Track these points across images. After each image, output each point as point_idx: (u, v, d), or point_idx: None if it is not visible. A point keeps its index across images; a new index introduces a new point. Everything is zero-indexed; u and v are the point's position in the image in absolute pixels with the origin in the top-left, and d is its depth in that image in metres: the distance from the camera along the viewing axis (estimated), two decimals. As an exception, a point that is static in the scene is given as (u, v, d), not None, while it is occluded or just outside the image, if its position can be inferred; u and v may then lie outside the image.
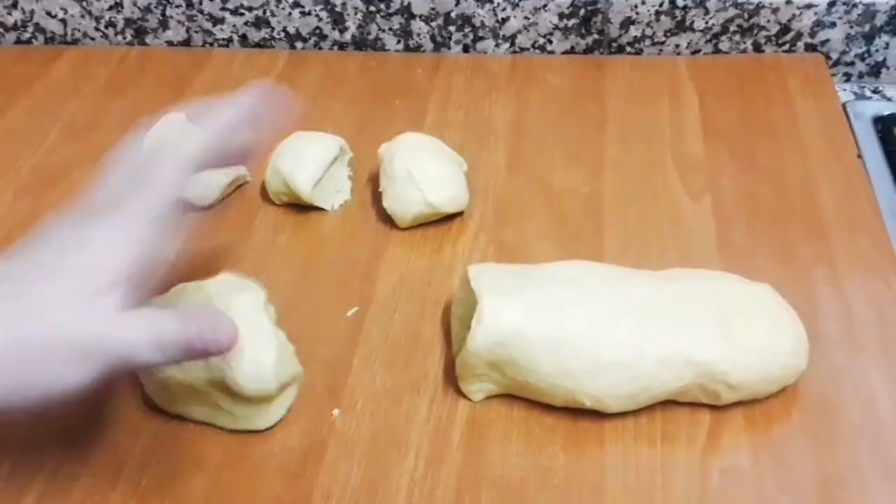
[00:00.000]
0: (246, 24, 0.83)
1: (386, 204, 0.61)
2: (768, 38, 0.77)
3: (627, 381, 0.47)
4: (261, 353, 0.47)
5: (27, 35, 0.88)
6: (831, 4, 0.74)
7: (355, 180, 0.67)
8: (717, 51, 0.78)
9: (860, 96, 0.77)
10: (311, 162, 0.63)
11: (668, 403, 0.49)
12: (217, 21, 0.83)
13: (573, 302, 0.49)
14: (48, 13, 0.85)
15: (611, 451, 0.48)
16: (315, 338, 0.55)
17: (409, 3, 0.79)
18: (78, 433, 0.51)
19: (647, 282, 0.51)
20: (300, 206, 0.65)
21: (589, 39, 0.79)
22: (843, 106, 0.73)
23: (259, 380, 0.47)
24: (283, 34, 0.83)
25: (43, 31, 0.87)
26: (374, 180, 0.65)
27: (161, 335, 0.40)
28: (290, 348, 0.50)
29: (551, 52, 0.81)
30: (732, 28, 0.77)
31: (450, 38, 0.81)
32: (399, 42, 0.82)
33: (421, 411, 0.51)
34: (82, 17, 0.85)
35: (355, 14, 0.80)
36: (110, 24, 0.85)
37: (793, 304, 0.51)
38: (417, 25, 0.80)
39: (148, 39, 0.86)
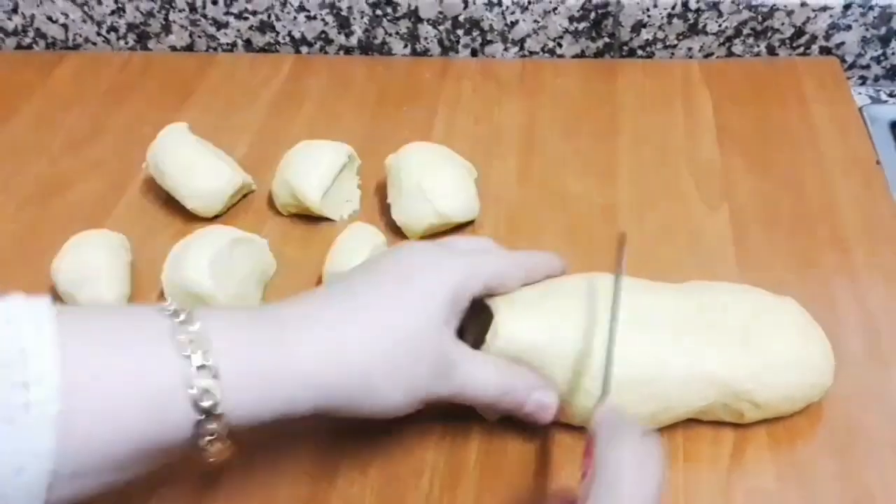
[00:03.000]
0: (250, 28, 0.82)
1: (395, 216, 0.60)
2: (782, 42, 0.76)
3: (647, 399, 0.46)
4: None
5: (28, 40, 0.86)
6: (847, 7, 0.72)
7: (364, 188, 0.66)
8: (730, 54, 0.77)
9: (876, 100, 0.75)
10: (319, 171, 0.61)
11: (690, 421, 0.48)
12: (221, 25, 0.82)
13: (590, 317, 0.48)
14: (49, 18, 0.84)
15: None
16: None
17: (417, 7, 0.77)
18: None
19: (667, 295, 0.49)
20: (308, 217, 0.63)
21: (599, 43, 0.78)
22: (860, 110, 0.72)
23: None
24: (288, 38, 0.82)
25: (44, 36, 0.86)
26: (383, 188, 0.64)
27: (508, 388, 0.45)
28: None
29: (561, 56, 0.79)
30: (746, 31, 0.75)
31: (458, 42, 0.80)
32: (406, 46, 0.81)
33: (435, 430, 0.50)
34: (84, 21, 0.84)
35: (361, 18, 0.79)
36: (112, 28, 0.84)
37: (814, 317, 0.49)
38: (425, 29, 0.79)
39: (150, 44, 0.85)
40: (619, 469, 0.36)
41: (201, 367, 0.36)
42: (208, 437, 0.37)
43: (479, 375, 0.45)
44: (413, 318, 0.43)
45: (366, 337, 0.41)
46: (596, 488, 0.36)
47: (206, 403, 0.36)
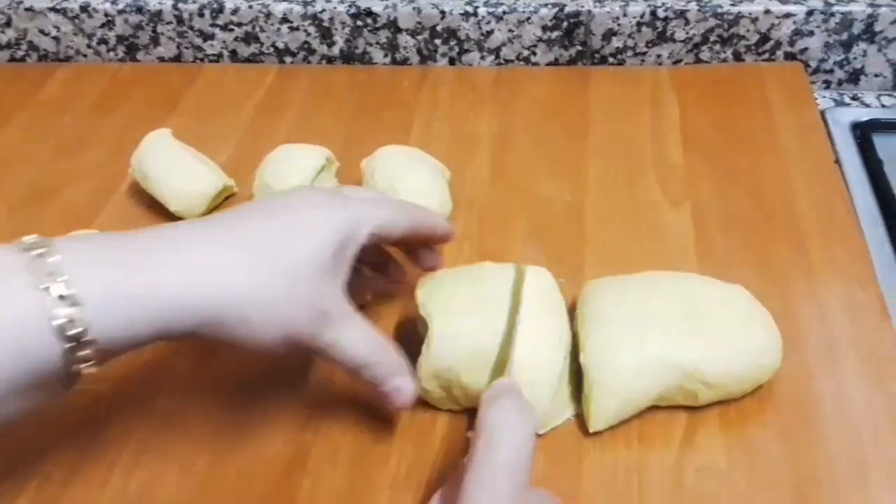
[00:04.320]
0: (236, 39, 0.84)
1: (370, 215, 0.63)
2: (748, 48, 0.78)
3: (610, 395, 0.48)
4: None
5: (21, 53, 0.89)
6: (809, 13, 0.75)
7: (342, 191, 0.68)
8: (698, 60, 0.80)
9: (839, 103, 0.78)
10: (297, 173, 0.64)
11: (646, 405, 0.50)
12: (207, 37, 0.85)
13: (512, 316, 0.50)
14: (41, 31, 0.87)
15: (588, 451, 0.49)
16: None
17: (396, 18, 0.80)
18: (68, 440, 0.51)
19: (618, 287, 0.52)
20: (288, 218, 0.66)
21: (572, 51, 0.81)
22: (823, 113, 0.75)
23: None
24: (272, 49, 0.85)
25: (36, 48, 0.89)
26: (361, 191, 0.66)
27: (372, 361, 0.46)
28: None
29: (535, 64, 0.82)
30: (713, 38, 0.78)
31: (436, 51, 0.82)
32: (386, 55, 0.84)
33: (403, 414, 0.52)
34: (75, 34, 0.86)
35: (343, 28, 0.82)
36: (102, 41, 0.87)
37: (769, 308, 0.52)
38: (404, 39, 0.82)
39: (139, 56, 0.88)
40: (492, 434, 0.38)
41: (62, 296, 0.36)
42: (83, 364, 0.38)
43: (349, 338, 0.45)
44: (296, 252, 0.43)
45: (242, 263, 0.41)
46: (473, 454, 0.38)
47: (72, 332, 0.36)
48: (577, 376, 0.50)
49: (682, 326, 0.49)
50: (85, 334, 0.37)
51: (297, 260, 0.43)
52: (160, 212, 0.67)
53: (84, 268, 0.38)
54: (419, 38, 0.82)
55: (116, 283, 0.38)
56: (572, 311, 0.54)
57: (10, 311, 0.36)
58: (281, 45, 0.84)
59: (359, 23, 0.81)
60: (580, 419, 0.50)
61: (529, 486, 0.39)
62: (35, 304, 0.36)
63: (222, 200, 0.68)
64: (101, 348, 0.38)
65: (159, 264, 0.40)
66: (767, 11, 0.75)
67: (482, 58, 0.82)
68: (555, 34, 0.79)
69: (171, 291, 0.39)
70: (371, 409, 0.52)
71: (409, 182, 0.62)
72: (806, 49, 0.78)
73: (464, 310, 0.50)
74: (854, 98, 0.78)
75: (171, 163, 0.65)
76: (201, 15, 0.83)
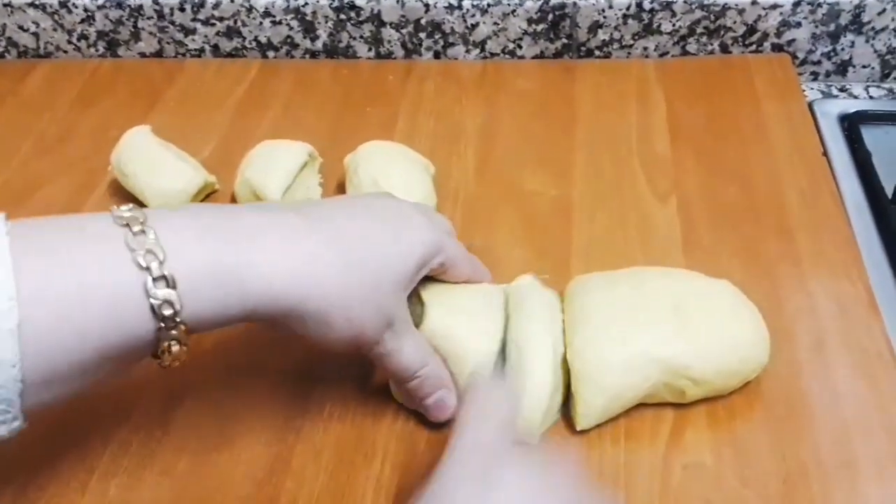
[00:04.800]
0: (217, 34, 0.83)
1: (353, 212, 0.62)
2: (735, 39, 0.78)
3: (596, 395, 0.47)
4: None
5: None
6: (796, 4, 0.74)
7: (326, 187, 0.68)
8: (684, 53, 0.79)
9: (827, 95, 0.77)
10: (279, 170, 0.63)
11: (633, 403, 0.50)
12: (189, 32, 0.84)
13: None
14: (20, 27, 0.85)
15: (575, 449, 0.48)
16: (283, 342, 0.54)
17: (380, 11, 0.79)
18: (46, 444, 0.51)
19: (599, 285, 0.51)
20: (270, 214, 0.65)
21: (558, 44, 0.80)
22: (810, 105, 0.74)
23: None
24: (254, 43, 0.84)
25: (15, 45, 0.87)
26: (344, 187, 0.65)
27: (423, 373, 0.47)
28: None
29: (521, 58, 0.81)
30: (699, 30, 0.77)
31: (420, 44, 0.82)
32: (370, 49, 0.83)
33: (388, 415, 0.51)
34: (54, 30, 0.85)
35: (326, 22, 0.81)
36: (83, 36, 0.85)
37: (757, 302, 0.51)
38: (388, 33, 0.81)
39: (120, 51, 0.87)
40: (466, 420, 0.41)
41: (159, 277, 0.37)
42: (168, 342, 0.38)
43: (406, 349, 0.46)
44: (384, 262, 0.44)
45: (334, 262, 0.42)
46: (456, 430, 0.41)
47: (165, 312, 0.37)
48: (565, 375, 0.50)
49: (668, 323, 0.48)
50: (178, 315, 0.38)
51: (384, 271, 0.44)
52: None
53: (181, 247, 0.38)
54: (403, 31, 0.81)
55: (211, 263, 0.39)
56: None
57: (111, 285, 0.36)
58: (263, 40, 0.83)
59: (342, 16, 0.80)
60: (567, 418, 0.50)
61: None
62: (134, 281, 0.37)
63: (204, 198, 0.67)
64: (191, 328, 0.39)
65: (255, 248, 0.40)
66: (754, 3, 0.75)
67: (467, 51, 0.82)
68: (540, 27, 0.79)
69: (263, 278, 0.40)
70: (356, 411, 0.51)
71: (393, 178, 0.61)
72: (793, 40, 0.77)
73: (460, 309, 0.50)
74: (842, 90, 0.78)
75: (151, 160, 0.64)
76: (182, 10, 0.82)
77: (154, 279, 0.37)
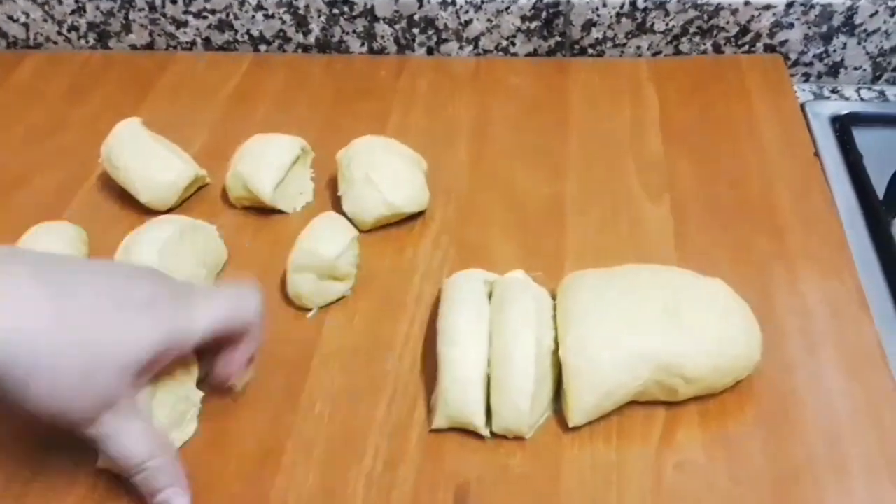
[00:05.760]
0: (209, 27, 0.83)
1: (346, 208, 0.62)
2: (728, 39, 0.78)
3: (588, 392, 0.47)
4: None
5: (-11, 40, 0.87)
6: (789, 5, 0.75)
7: (318, 181, 0.67)
8: (677, 52, 0.79)
9: (819, 96, 0.78)
10: (271, 164, 0.63)
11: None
12: (180, 24, 0.83)
13: None
14: (10, 17, 0.85)
15: (567, 447, 0.48)
16: (275, 340, 0.54)
17: (373, 6, 0.79)
18: (32, 438, 0.50)
19: (592, 283, 0.51)
20: (261, 209, 0.65)
21: (551, 42, 0.80)
22: (802, 106, 0.74)
23: None
24: (246, 37, 0.83)
25: (5, 35, 0.86)
26: (336, 182, 0.65)
27: (150, 465, 0.44)
28: None
29: (514, 55, 0.81)
30: (692, 29, 0.77)
31: (413, 40, 0.81)
32: (363, 44, 0.83)
33: (379, 412, 0.51)
34: (44, 21, 0.84)
35: (319, 17, 0.81)
36: (73, 28, 0.85)
37: (748, 301, 0.51)
38: (381, 28, 0.81)
39: (111, 43, 0.86)
40: None
41: None
42: None
43: (131, 434, 0.44)
44: (111, 347, 0.41)
45: (52, 333, 0.40)
46: None
47: None
48: (556, 371, 0.50)
49: (661, 321, 0.48)
50: None
51: (109, 354, 0.41)
52: (131, 202, 0.65)
53: None
54: (397, 27, 0.80)
55: None
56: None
57: None
58: (256, 33, 0.83)
59: (335, 11, 0.80)
60: (559, 415, 0.50)
61: None
62: None
63: (195, 190, 0.67)
64: None
65: None
66: (747, 3, 0.75)
67: (461, 48, 0.81)
68: (534, 24, 0.78)
69: None
70: (346, 408, 0.51)
71: (385, 174, 0.61)
72: (786, 41, 0.77)
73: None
74: (833, 91, 0.78)
75: (141, 153, 0.64)
76: (174, 2, 0.81)
77: None
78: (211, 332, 0.46)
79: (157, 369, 0.45)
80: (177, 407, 0.49)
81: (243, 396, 0.52)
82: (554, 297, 0.53)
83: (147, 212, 0.64)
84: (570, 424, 0.48)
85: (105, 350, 0.41)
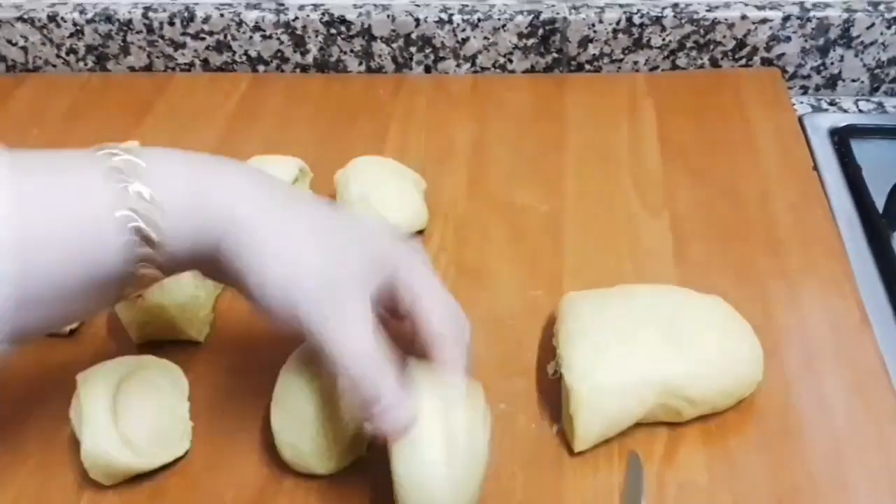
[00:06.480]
0: (207, 48, 0.83)
1: (345, 228, 0.62)
2: (725, 53, 0.78)
3: (596, 421, 0.47)
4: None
5: (-12, 63, 0.88)
6: (785, 19, 0.75)
7: (317, 202, 0.67)
8: (675, 67, 0.79)
9: (817, 108, 0.78)
10: (270, 186, 0.62)
11: (626, 421, 0.50)
12: (178, 46, 0.83)
13: None
14: (9, 41, 0.85)
15: (569, 468, 0.48)
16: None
17: (370, 25, 0.79)
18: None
19: (592, 304, 0.51)
20: (261, 230, 0.65)
21: (549, 58, 0.80)
22: (800, 118, 0.74)
23: None
24: (244, 58, 0.84)
25: (4, 59, 0.87)
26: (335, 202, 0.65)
27: (373, 375, 0.40)
28: None
29: (512, 72, 0.81)
30: (689, 44, 0.77)
31: (411, 58, 0.81)
32: (361, 63, 0.83)
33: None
34: (43, 44, 0.85)
35: (316, 37, 0.81)
36: (71, 50, 0.85)
37: (749, 318, 0.51)
38: (378, 47, 0.81)
39: (109, 65, 0.86)
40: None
41: (139, 194, 0.38)
42: (142, 263, 0.39)
43: (352, 335, 0.40)
44: (343, 246, 0.42)
45: (293, 215, 0.42)
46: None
47: (145, 233, 0.38)
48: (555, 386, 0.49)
49: (662, 343, 0.48)
50: (155, 236, 0.38)
51: (344, 251, 0.42)
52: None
53: (162, 173, 0.39)
54: (394, 45, 0.81)
55: (187, 191, 0.40)
56: (551, 324, 0.54)
57: (95, 205, 0.38)
58: (254, 54, 0.83)
59: (332, 31, 0.80)
60: (562, 436, 0.49)
61: None
62: (118, 202, 0.38)
63: (194, 213, 0.67)
64: (161, 251, 0.39)
65: (225, 179, 0.42)
66: (744, 17, 0.75)
67: (458, 65, 0.82)
68: (531, 41, 0.79)
69: (227, 202, 0.41)
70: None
71: (384, 194, 0.61)
72: (783, 54, 0.77)
73: None
74: (832, 103, 0.78)
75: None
76: (172, 24, 0.81)
77: (136, 195, 0.38)
78: (404, 283, 0.43)
79: (372, 288, 0.42)
80: (160, 420, 0.49)
81: (243, 419, 0.52)
82: (552, 318, 0.53)
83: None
84: (576, 450, 0.48)
85: (340, 248, 0.42)
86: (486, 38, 0.79)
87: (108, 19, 0.82)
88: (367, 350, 0.40)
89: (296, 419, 0.47)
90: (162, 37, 0.83)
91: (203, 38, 0.82)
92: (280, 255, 0.40)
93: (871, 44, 0.75)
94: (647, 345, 0.48)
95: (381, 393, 0.40)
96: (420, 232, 0.63)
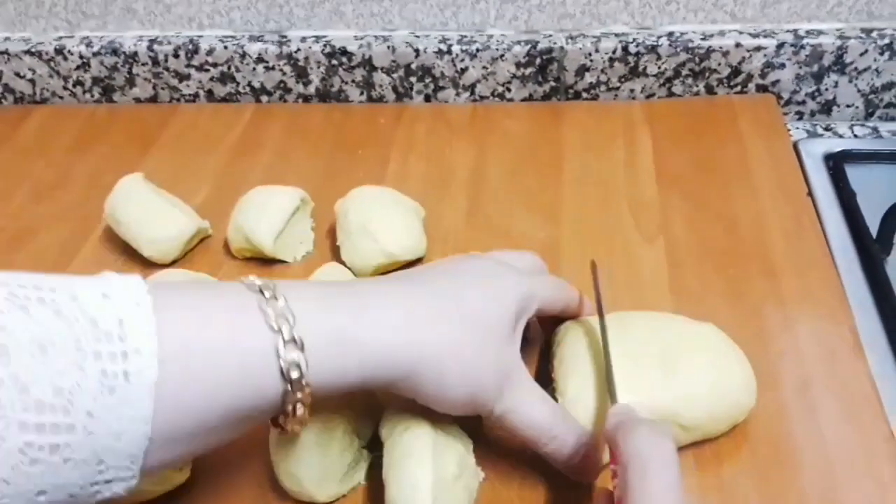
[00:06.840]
0: (211, 79, 0.85)
1: (344, 258, 0.63)
2: (720, 81, 0.79)
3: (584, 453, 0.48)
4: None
5: (-4, 96, 0.89)
6: (779, 46, 0.76)
7: (318, 230, 0.69)
8: (671, 94, 0.80)
9: (813, 134, 0.78)
10: (271, 215, 0.64)
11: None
12: (183, 77, 0.85)
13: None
14: (17, 74, 0.87)
15: (562, 491, 0.49)
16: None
17: (371, 56, 0.81)
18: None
19: (587, 331, 0.52)
20: (263, 259, 0.66)
21: (546, 87, 0.81)
22: (796, 144, 0.75)
23: None
24: (248, 88, 0.85)
25: (12, 91, 0.88)
26: (335, 232, 0.66)
27: (558, 431, 0.46)
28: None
29: (510, 100, 0.83)
30: (685, 72, 0.79)
31: (411, 88, 0.83)
32: (362, 93, 0.84)
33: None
34: (50, 77, 0.86)
35: (318, 67, 0.82)
36: (78, 82, 0.87)
37: (743, 345, 0.52)
38: (379, 77, 0.82)
39: (115, 97, 0.88)
40: (642, 463, 0.38)
41: (289, 340, 0.38)
42: (293, 405, 0.39)
43: (531, 404, 0.45)
44: (486, 314, 0.44)
45: (443, 322, 0.43)
46: (629, 480, 0.38)
47: (293, 374, 0.38)
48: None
49: (656, 370, 0.48)
50: (304, 377, 0.38)
51: (487, 324, 0.44)
52: (134, 256, 0.66)
53: (308, 313, 0.39)
54: (394, 75, 0.82)
55: (334, 329, 0.40)
56: (547, 348, 0.55)
57: (244, 346, 0.38)
58: (257, 85, 0.85)
59: (334, 62, 0.81)
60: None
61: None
62: (266, 344, 0.38)
63: (197, 243, 0.68)
64: (314, 390, 0.39)
65: (374, 315, 0.42)
66: (738, 45, 0.76)
67: (457, 94, 0.83)
68: (528, 70, 0.80)
69: (380, 342, 0.41)
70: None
71: (382, 224, 0.62)
72: (777, 81, 0.78)
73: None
74: (827, 129, 0.79)
75: (144, 208, 0.65)
76: (176, 56, 0.83)
77: (285, 342, 0.38)
78: (547, 301, 0.50)
79: (520, 334, 0.47)
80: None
81: (240, 443, 0.53)
82: (549, 344, 0.54)
83: (150, 265, 0.65)
84: (572, 478, 0.49)
85: (485, 322, 0.44)
86: (484, 67, 0.80)
87: (114, 52, 0.83)
88: (544, 410, 0.46)
89: (295, 447, 0.47)
90: (167, 69, 0.84)
91: (207, 70, 0.84)
92: (450, 374, 0.43)
93: (865, 70, 0.76)
94: (639, 372, 0.49)
95: (575, 446, 0.46)
96: (419, 259, 0.64)
